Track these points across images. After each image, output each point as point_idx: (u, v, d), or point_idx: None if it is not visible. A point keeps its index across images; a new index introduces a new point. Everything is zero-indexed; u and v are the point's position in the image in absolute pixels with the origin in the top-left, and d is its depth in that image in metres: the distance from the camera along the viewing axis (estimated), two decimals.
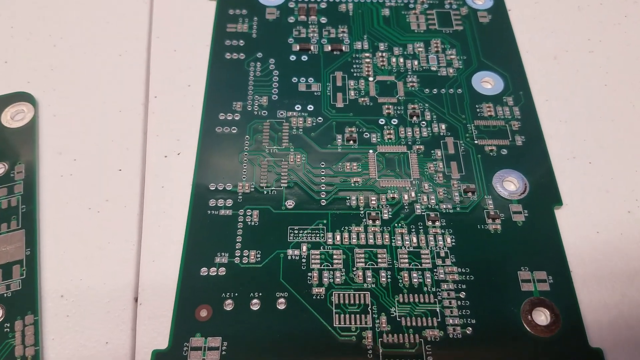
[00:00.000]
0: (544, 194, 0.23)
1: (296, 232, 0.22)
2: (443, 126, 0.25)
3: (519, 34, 0.30)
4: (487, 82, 0.27)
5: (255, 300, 0.20)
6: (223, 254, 0.22)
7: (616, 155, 0.25)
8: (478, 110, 0.26)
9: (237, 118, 0.26)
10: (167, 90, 0.27)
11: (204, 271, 0.21)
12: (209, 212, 0.23)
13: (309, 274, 0.21)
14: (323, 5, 0.30)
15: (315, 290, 0.21)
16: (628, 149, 0.26)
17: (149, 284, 0.21)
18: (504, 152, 0.25)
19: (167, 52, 0.29)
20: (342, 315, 0.20)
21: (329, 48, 0.28)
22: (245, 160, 0.24)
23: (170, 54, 0.29)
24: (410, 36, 0.29)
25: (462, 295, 0.21)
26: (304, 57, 0.28)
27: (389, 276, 0.21)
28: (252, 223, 0.22)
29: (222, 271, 0.21)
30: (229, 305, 0.20)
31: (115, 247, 0.22)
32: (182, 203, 0.23)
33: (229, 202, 0.23)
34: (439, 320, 0.20)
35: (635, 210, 0.24)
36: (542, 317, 0.21)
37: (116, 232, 0.23)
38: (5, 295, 0.21)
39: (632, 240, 0.23)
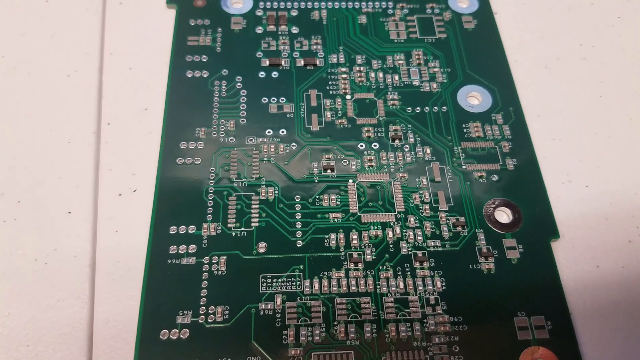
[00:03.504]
0: (540, 225, 0.22)
1: (269, 281, 0.20)
2: (428, 150, 0.23)
3: (506, 40, 0.27)
4: (474, 98, 0.25)
5: None
6: (186, 312, 0.19)
7: (614, 176, 0.24)
8: (465, 130, 0.24)
9: (200, 146, 0.23)
10: (121, 116, 0.24)
11: (164, 334, 0.19)
12: (169, 261, 0.20)
13: (285, 332, 0.19)
14: (294, 13, 0.27)
15: (292, 351, 0.19)
16: (626, 168, 0.24)
17: (103, 350, 0.19)
18: (495, 177, 0.23)
19: (122, 70, 0.26)
20: None
21: (301, 62, 0.26)
22: (210, 196, 0.22)
23: (125, 73, 0.26)
24: (390, 47, 0.26)
25: (455, 349, 0.19)
26: (275, 74, 0.25)
27: (374, 330, 0.19)
28: (219, 272, 0.20)
29: (185, 333, 0.19)
30: None
31: (65, 306, 0.20)
32: (139, 251, 0.21)
33: (192, 248, 0.20)
34: None
35: (636, 239, 0.22)
36: None
37: (66, 288, 0.20)
38: None
39: (635, 273, 0.21)
